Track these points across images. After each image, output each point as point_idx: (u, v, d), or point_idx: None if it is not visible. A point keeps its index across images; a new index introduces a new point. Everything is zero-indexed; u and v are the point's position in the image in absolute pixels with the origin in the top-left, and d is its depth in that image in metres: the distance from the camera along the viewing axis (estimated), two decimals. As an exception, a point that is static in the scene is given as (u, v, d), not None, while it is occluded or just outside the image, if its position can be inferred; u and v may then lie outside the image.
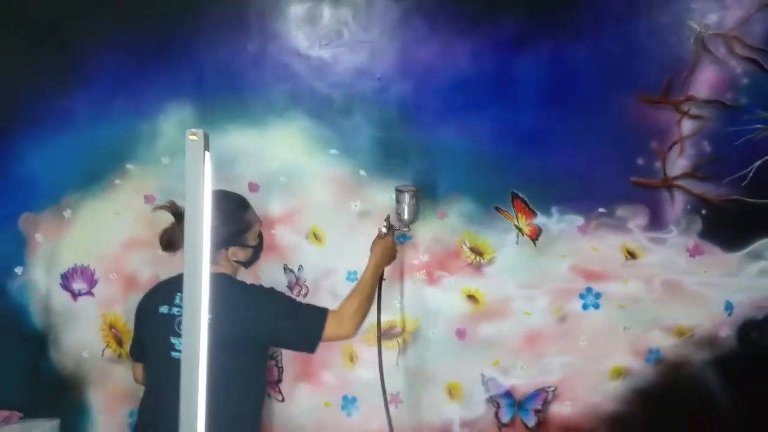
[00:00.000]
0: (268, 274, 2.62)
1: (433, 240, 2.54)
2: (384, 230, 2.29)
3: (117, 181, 2.62)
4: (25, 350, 2.66)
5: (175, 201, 2.06)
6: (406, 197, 2.32)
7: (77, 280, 2.65)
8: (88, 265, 2.65)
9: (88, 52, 2.61)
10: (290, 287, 2.61)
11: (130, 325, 2.34)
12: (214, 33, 2.58)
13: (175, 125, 2.59)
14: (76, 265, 2.65)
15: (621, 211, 2.46)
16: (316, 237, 2.60)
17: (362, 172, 2.55)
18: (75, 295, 2.64)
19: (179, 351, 1.91)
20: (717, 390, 2.47)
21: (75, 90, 2.62)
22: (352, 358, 2.60)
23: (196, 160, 1.93)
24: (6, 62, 2.67)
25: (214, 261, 2.01)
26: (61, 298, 2.66)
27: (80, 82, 2.62)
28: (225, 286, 1.99)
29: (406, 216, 2.33)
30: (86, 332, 2.66)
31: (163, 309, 2.03)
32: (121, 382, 2.63)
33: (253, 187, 2.60)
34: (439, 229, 2.54)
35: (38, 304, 2.68)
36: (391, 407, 2.54)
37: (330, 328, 2.02)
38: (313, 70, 2.56)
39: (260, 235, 2.17)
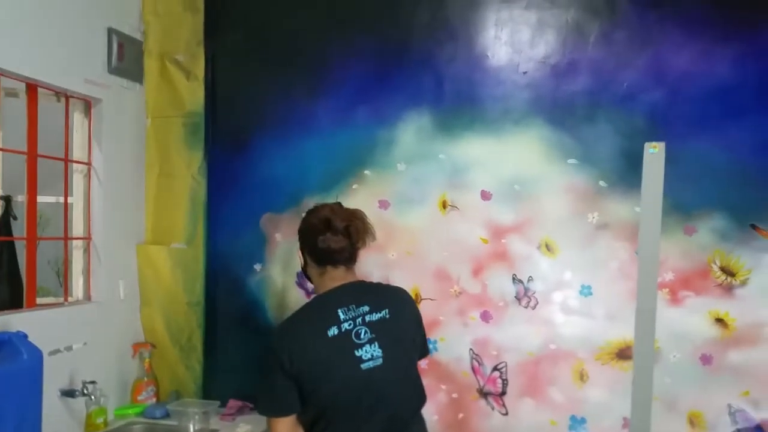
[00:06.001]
0: (496, 283, 2.58)
1: (679, 257, 2.38)
2: None
3: (354, 186, 2.71)
4: (260, 343, 2.76)
5: None
6: None
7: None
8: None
9: (335, 61, 2.74)
10: (518, 298, 2.56)
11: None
12: (454, 42, 2.62)
13: (412, 133, 2.64)
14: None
15: None
16: (548, 248, 2.53)
17: (602, 183, 2.46)
18: (309, 294, 2.73)
19: (368, 360, 1.81)
20: None
21: (320, 97, 2.76)
22: (582, 377, 2.49)
23: (655, 171, 2.07)
24: (256, 69, 2.85)
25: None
26: (295, 295, 2.78)
27: (326, 90, 2.75)
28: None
29: None
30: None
31: (332, 331, 1.82)
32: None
33: (485, 195, 2.58)
34: (686, 246, 2.37)
35: (274, 300, 2.82)
36: (621, 432, 2.42)
37: None
38: (555, 77, 2.52)
39: None
